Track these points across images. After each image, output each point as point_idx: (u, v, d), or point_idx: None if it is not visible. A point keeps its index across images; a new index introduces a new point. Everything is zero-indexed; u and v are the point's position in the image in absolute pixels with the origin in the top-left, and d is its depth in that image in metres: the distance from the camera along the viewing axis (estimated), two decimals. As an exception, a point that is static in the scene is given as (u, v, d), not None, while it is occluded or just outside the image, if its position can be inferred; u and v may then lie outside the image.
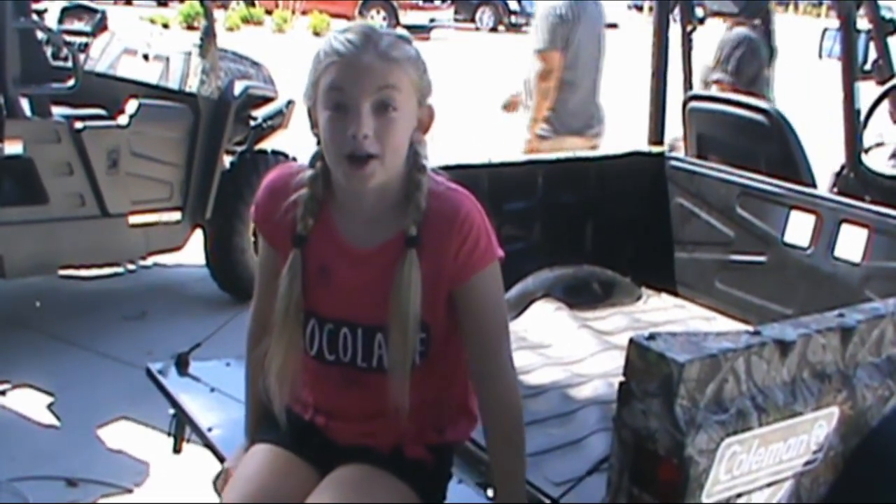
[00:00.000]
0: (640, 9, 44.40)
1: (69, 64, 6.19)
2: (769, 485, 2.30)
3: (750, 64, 6.46)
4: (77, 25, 7.37)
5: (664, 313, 4.64)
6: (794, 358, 2.31)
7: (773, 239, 4.51)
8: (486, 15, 36.01)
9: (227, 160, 6.74)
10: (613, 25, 39.67)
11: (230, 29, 24.70)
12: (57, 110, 5.92)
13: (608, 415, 2.98)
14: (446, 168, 2.57)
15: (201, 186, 6.47)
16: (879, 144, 5.31)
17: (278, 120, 7.14)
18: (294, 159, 5.22)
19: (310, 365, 2.53)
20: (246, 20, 26.75)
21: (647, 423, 2.14)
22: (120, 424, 5.07)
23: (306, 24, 26.83)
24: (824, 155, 5.40)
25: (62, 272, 6.51)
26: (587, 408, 3.47)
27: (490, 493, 2.91)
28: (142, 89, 6.47)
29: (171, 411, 3.41)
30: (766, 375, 2.26)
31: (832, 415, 2.39)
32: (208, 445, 3.02)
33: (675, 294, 4.90)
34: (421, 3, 28.94)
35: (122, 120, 6.13)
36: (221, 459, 2.94)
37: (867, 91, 4.91)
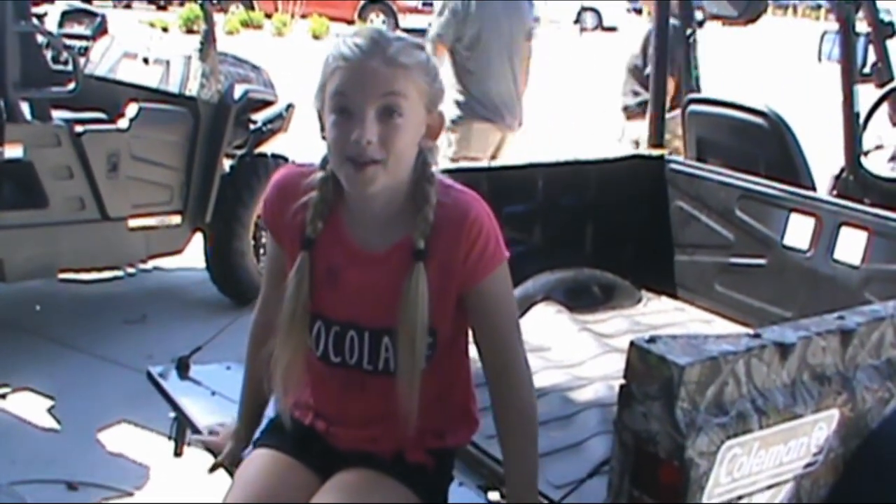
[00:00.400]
0: (639, 12, 44.35)
1: (69, 67, 6.19)
2: (769, 487, 2.30)
3: (678, 51, 6.61)
4: (77, 29, 7.37)
5: (664, 316, 4.64)
6: (794, 360, 2.32)
7: (773, 242, 4.52)
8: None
9: (226, 164, 6.74)
10: (613, 29, 39.83)
11: (230, 33, 24.70)
12: (57, 114, 5.91)
13: (609, 417, 2.98)
14: (446, 172, 2.57)
15: (201, 190, 6.47)
16: (879, 147, 5.32)
17: (278, 123, 7.13)
18: (293, 163, 5.23)
19: (314, 367, 2.53)
20: (245, 24, 26.75)
21: (648, 425, 2.14)
22: (120, 428, 5.07)
23: (306, 28, 26.84)
24: (824, 158, 5.41)
25: (62, 276, 6.51)
26: (588, 410, 3.47)
27: (491, 495, 2.91)
28: (142, 93, 6.47)
29: (172, 415, 3.41)
30: (767, 378, 2.26)
31: (832, 417, 2.40)
32: (208, 449, 3.02)
33: (675, 297, 4.91)
34: (420, 6, 28.92)
35: (122, 123, 6.12)
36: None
37: (866, 94, 4.92)
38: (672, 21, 6.68)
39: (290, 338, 2.47)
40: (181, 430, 3.37)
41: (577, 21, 40.15)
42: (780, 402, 2.27)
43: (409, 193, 2.41)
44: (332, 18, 27.31)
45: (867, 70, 5.17)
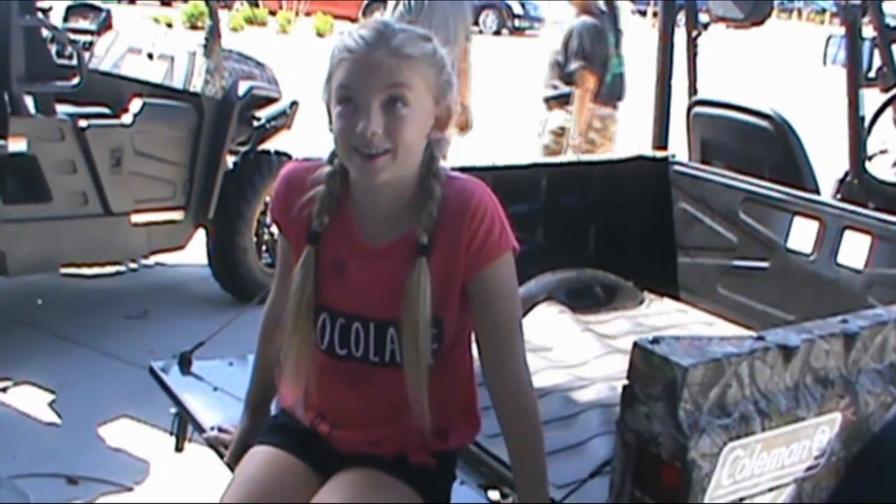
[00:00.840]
0: (643, 14, 44.40)
1: (73, 62, 6.19)
2: (771, 489, 2.30)
3: (600, 48, 7.12)
4: (82, 24, 7.37)
5: (667, 318, 4.64)
6: (797, 363, 2.31)
7: (776, 245, 4.52)
8: (489, 18, 36.00)
9: (230, 160, 6.74)
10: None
11: (234, 29, 24.72)
12: (61, 108, 5.92)
13: (611, 418, 2.99)
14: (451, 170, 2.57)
15: (204, 186, 6.47)
16: (883, 152, 5.32)
17: (282, 120, 7.13)
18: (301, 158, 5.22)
19: (319, 360, 2.52)
20: (250, 21, 26.76)
21: (651, 426, 2.14)
22: (121, 423, 5.07)
23: (310, 26, 26.84)
24: (828, 162, 5.40)
25: (64, 270, 6.52)
26: (590, 411, 3.47)
27: (492, 494, 2.91)
28: (146, 88, 6.47)
29: (173, 410, 3.41)
30: (770, 380, 2.26)
31: (835, 420, 2.40)
32: (212, 446, 3.02)
33: (678, 299, 4.91)
34: (425, 5, 28.91)
35: (126, 119, 6.13)
36: (223, 458, 2.94)
37: (871, 98, 4.92)
38: (590, 19, 7.16)
39: (296, 331, 2.47)
40: (182, 425, 3.37)
41: (581, 22, 40.07)
42: (783, 405, 2.27)
43: (415, 187, 2.41)
44: (337, 16, 27.32)
45: (872, 74, 5.16)
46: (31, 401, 5.26)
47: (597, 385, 3.69)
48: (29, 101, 5.70)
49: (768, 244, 4.56)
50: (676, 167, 5.03)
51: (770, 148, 4.94)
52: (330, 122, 2.38)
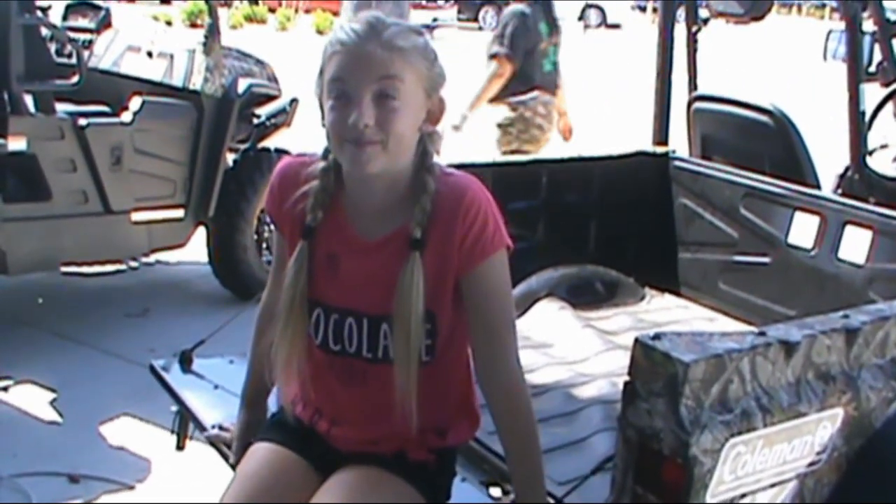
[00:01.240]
0: (643, 10, 44.43)
1: (73, 61, 6.19)
2: (773, 485, 2.30)
3: (524, 38, 7.08)
4: (81, 22, 7.37)
5: (667, 313, 4.64)
6: (798, 359, 2.31)
7: (777, 240, 4.51)
8: (489, 15, 35.99)
9: (230, 158, 6.74)
10: (617, 26, 39.86)
11: (233, 27, 24.75)
12: (61, 107, 5.92)
13: (612, 414, 2.99)
14: (450, 167, 2.56)
15: (204, 184, 6.47)
16: (884, 146, 5.32)
17: (282, 118, 7.14)
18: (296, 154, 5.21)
19: (314, 356, 2.52)
20: (249, 18, 26.78)
21: (652, 422, 2.14)
22: (122, 421, 5.07)
23: (310, 23, 26.87)
24: (829, 156, 5.40)
25: (64, 269, 6.52)
26: (591, 407, 3.47)
27: (493, 491, 2.91)
28: (145, 86, 6.47)
29: (174, 408, 3.41)
30: (771, 376, 2.26)
31: (836, 416, 2.39)
32: (211, 443, 3.02)
33: (679, 294, 4.90)
34: (424, 2, 28.97)
35: (126, 117, 6.13)
36: (224, 457, 2.94)
37: (872, 93, 4.92)
38: (520, 6, 7.17)
39: (288, 326, 2.47)
40: (183, 423, 3.37)
41: (580, 18, 40.17)
42: (785, 401, 2.26)
43: (409, 182, 2.40)
44: (336, 13, 27.28)
45: (873, 69, 5.16)
46: (32, 399, 5.26)
47: (598, 381, 3.69)
48: (28, 100, 5.70)
49: (769, 239, 4.56)
50: (677, 163, 5.03)
51: (770, 143, 4.94)
52: (323, 116, 2.39)
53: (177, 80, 6.46)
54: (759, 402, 2.22)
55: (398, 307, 2.35)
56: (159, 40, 6.88)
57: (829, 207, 4.36)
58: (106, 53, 6.96)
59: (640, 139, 5.33)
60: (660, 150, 5.14)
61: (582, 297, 4.57)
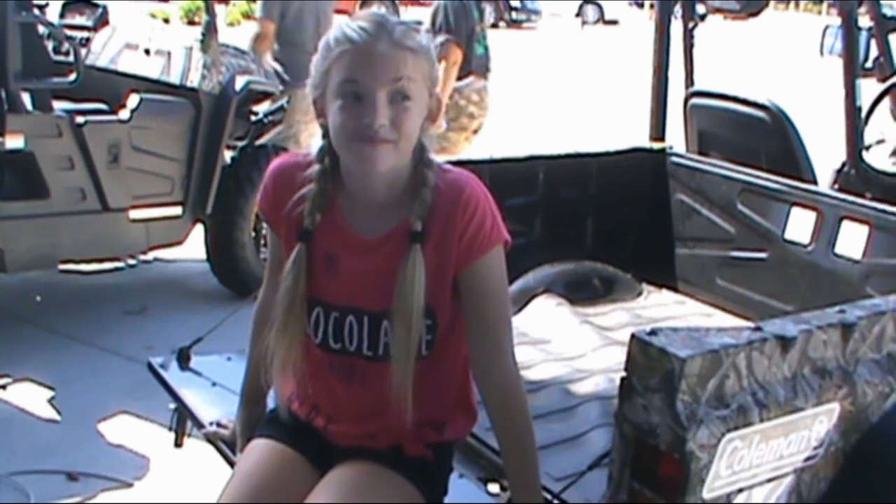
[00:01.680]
0: (640, 5, 44.43)
1: (70, 58, 6.19)
2: (770, 480, 2.30)
3: (465, 23, 7.31)
4: (78, 20, 7.37)
5: (665, 309, 4.64)
6: (794, 354, 2.32)
7: (774, 235, 4.52)
8: (486, 11, 35.96)
9: (227, 155, 6.74)
10: (614, 22, 39.86)
11: (231, 24, 24.69)
12: (58, 105, 5.92)
13: (609, 410, 2.99)
14: (447, 163, 2.56)
15: (202, 181, 6.47)
16: (880, 142, 5.32)
17: (279, 115, 7.14)
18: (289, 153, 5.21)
19: (313, 355, 2.52)
20: (247, 15, 26.69)
21: (649, 418, 2.14)
22: (121, 419, 5.07)
23: (307, 20, 26.77)
24: (825, 152, 5.40)
25: (62, 267, 6.52)
26: (588, 403, 3.47)
27: (491, 487, 2.91)
28: (143, 84, 6.47)
29: (172, 406, 3.40)
30: (767, 371, 2.26)
31: (833, 411, 2.40)
32: (209, 440, 3.02)
33: (676, 290, 4.91)
34: (421, -1, 28.92)
35: (124, 114, 6.13)
36: (223, 454, 2.95)
37: (868, 88, 4.92)
38: None
39: (286, 329, 2.47)
40: (181, 421, 3.37)
41: (578, 14, 40.19)
42: (781, 396, 2.27)
43: (408, 178, 2.41)
44: (335, 11, 27.29)
45: (869, 64, 5.17)
46: (31, 397, 5.26)
47: (595, 377, 3.69)
48: (26, 98, 5.70)
49: (766, 235, 4.56)
50: (674, 159, 5.04)
51: (767, 139, 4.95)
52: (319, 115, 2.39)
53: (174, 78, 6.46)
54: (756, 398, 2.23)
55: (399, 300, 2.36)
56: (157, 37, 6.87)
57: (825, 203, 4.36)
58: (103, 51, 6.95)
59: (637, 135, 5.33)
60: (657, 146, 5.15)
61: (579, 293, 4.57)
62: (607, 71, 21.35)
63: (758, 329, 2.30)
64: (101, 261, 6.71)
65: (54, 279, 6.85)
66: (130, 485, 4.51)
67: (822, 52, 5.60)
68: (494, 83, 7.65)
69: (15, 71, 5.57)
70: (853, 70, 4.73)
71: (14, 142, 5.57)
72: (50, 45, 6.69)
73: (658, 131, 5.24)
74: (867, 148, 5.03)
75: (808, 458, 2.38)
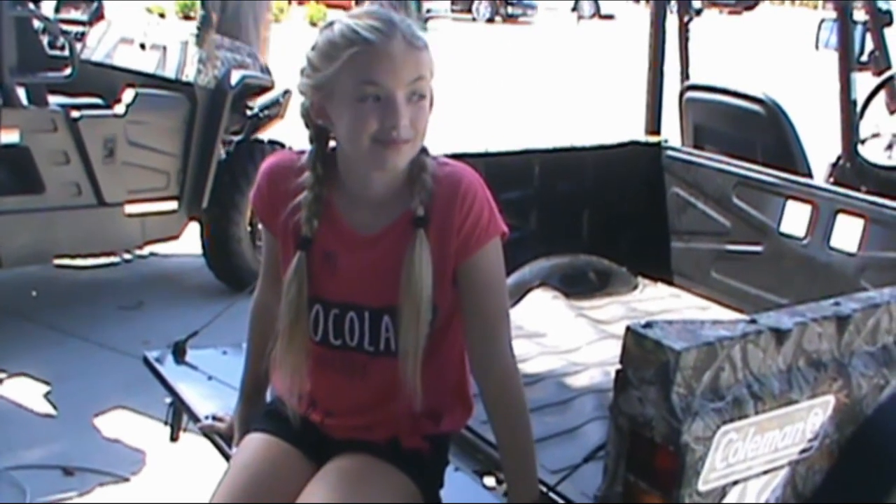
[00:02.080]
0: (637, 0, 44.44)
1: (66, 53, 6.19)
2: (765, 472, 2.30)
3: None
4: (74, 14, 7.37)
5: (660, 302, 4.65)
6: (789, 346, 2.32)
7: (770, 229, 4.52)
8: (482, 6, 36.03)
9: (223, 150, 6.74)
10: (610, 17, 39.87)
11: (226, 19, 24.65)
12: (53, 99, 5.91)
13: (604, 403, 2.99)
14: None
15: (198, 176, 6.47)
16: (875, 135, 5.32)
17: (275, 110, 7.14)
18: (290, 149, 5.21)
19: (314, 352, 2.51)
20: (242, 10, 26.71)
21: (644, 410, 2.14)
22: (116, 413, 5.07)
23: (303, 14, 26.81)
24: (821, 145, 5.41)
25: (58, 262, 6.52)
26: (583, 396, 3.47)
27: (487, 480, 2.91)
28: (138, 78, 6.47)
29: (168, 400, 3.40)
30: (762, 364, 2.26)
31: (828, 403, 2.40)
32: (205, 434, 3.02)
33: (672, 284, 4.91)
34: (418, -7, 28.92)
35: (119, 109, 6.13)
36: (218, 448, 2.95)
37: (863, 82, 4.92)
38: None
39: (293, 340, 2.46)
40: (177, 415, 3.37)
41: (574, 9, 40.21)
42: (776, 388, 2.27)
43: (405, 172, 2.40)
44: (329, 5, 27.30)
45: (864, 58, 5.18)
46: (27, 392, 5.26)
47: (590, 370, 3.70)
48: (21, 93, 5.69)
49: (761, 228, 4.56)
50: (669, 152, 5.04)
51: (762, 132, 4.95)
52: (317, 117, 2.38)
53: (170, 72, 6.46)
54: (751, 390, 2.23)
55: (406, 288, 2.35)
56: (152, 32, 6.87)
57: (821, 196, 4.37)
58: (99, 45, 6.95)
59: (632, 129, 5.33)
60: (652, 139, 5.15)
61: (575, 286, 4.58)
62: (603, 65, 21.36)
63: (753, 321, 2.30)
64: (96, 255, 6.72)
65: (50, 274, 6.85)
66: (126, 479, 4.51)
67: (817, 46, 5.61)
68: (493, 77, 7.64)
69: (10, 65, 5.57)
70: (848, 64, 4.73)
71: (9, 136, 5.57)
72: (45, 39, 6.69)
73: (653, 125, 5.25)
74: (862, 141, 5.03)
75: (803, 451, 2.38)
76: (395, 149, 2.29)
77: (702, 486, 2.17)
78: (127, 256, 7.21)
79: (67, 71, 5.94)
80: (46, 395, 5.24)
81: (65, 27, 6.76)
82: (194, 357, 3.61)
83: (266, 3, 7.93)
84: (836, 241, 4.26)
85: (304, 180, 2.43)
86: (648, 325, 2.18)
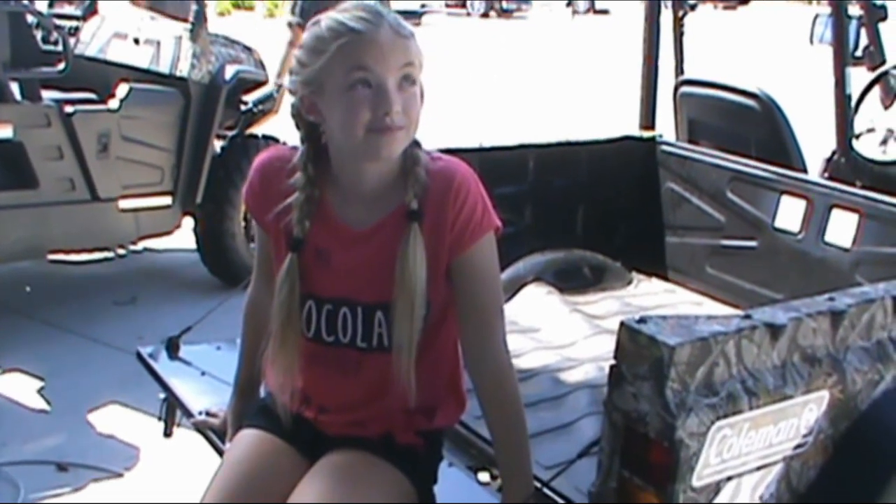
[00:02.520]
0: (632, -6, 44.43)
1: (59, 48, 6.18)
2: (759, 468, 2.30)
3: (313, 6, 7.11)
4: (67, 9, 7.36)
5: (655, 298, 4.64)
6: (784, 342, 2.31)
7: (764, 224, 4.52)
8: (477, 1, 36.00)
9: (217, 145, 6.73)
10: (605, 11, 39.88)
11: (221, 14, 24.70)
12: (47, 94, 5.91)
13: (599, 398, 2.98)
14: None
15: (192, 171, 6.47)
16: (870, 130, 5.32)
17: (269, 105, 7.13)
18: (284, 143, 5.21)
19: (306, 348, 2.50)
20: (237, 5, 26.75)
21: (638, 406, 2.14)
22: (110, 409, 5.07)
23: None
24: (815, 140, 5.41)
25: (52, 257, 6.52)
26: (578, 391, 3.47)
27: (481, 476, 2.91)
28: (132, 73, 6.46)
29: (162, 395, 3.40)
30: (757, 359, 2.26)
31: (822, 398, 2.40)
32: (198, 429, 3.02)
33: (666, 279, 4.91)
34: (412, -12, 28.93)
35: (113, 104, 6.12)
36: (212, 443, 2.94)
37: (858, 77, 4.92)
38: None
39: (286, 341, 2.46)
40: (171, 410, 3.37)
41: (569, 4, 40.20)
42: (771, 383, 2.27)
43: (397, 165, 2.39)
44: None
45: (859, 53, 5.17)
46: (20, 388, 5.26)
47: (585, 366, 3.69)
48: (14, 88, 5.69)
49: (756, 223, 4.56)
50: (664, 147, 5.04)
51: (757, 127, 4.95)
52: (308, 113, 2.37)
53: (164, 67, 6.45)
54: (745, 385, 2.22)
55: (401, 282, 2.34)
56: (146, 27, 6.86)
57: (815, 191, 4.37)
58: (92, 40, 6.94)
59: (627, 124, 5.33)
60: (647, 134, 5.15)
61: (569, 281, 4.57)
62: (598, 60, 21.36)
63: (747, 317, 2.29)
64: (90, 251, 6.71)
65: (44, 269, 6.85)
66: (120, 475, 4.52)
67: (812, 41, 5.60)
68: (487, 72, 7.63)
69: (3, 60, 5.58)
70: (843, 59, 4.73)
71: (2, 131, 5.57)
72: (39, 34, 6.69)
73: (648, 120, 5.24)
74: (857, 136, 5.03)
75: (797, 446, 2.38)
76: (389, 136, 2.28)
77: (696, 482, 2.16)
78: (121, 251, 7.19)
79: (61, 66, 5.94)
80: (40, 391, 5.23)
81: (58, 22, 6.75)
82: (188, 352, 3.61)
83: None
84: (830, 236, 4.26)
85: (295, 181, 2.42)
86: (642, 320, 2.18)
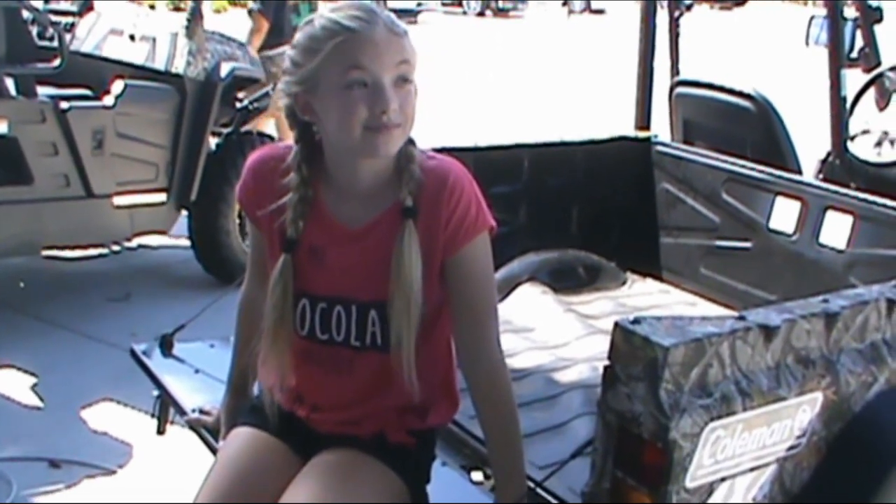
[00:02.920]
0: (627, -6, 44.45)
1: (55, 44, 6.18)
2: (752, 469, 2.30)
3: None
4: (63, 5, 7.38)
5: (649, 298, 4.64)
6: (778, 343, 2.32)
7: (759, 225, 4.52)
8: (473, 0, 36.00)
9: (212, 142, 6.73)
10: (601, 11, 39.87)
11: (217, 11, 24.67)
12: (42, 90, 5.90)
13: (593, 398, 2.98)
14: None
15: (187, 168, 6.46)
16: (865, 132, 5.32)
17: (264, 102, 7.14)
18: (280, 140, 5.21)
19: (300, 346, 2.50)
20: (233, 2, 26.68)
21: (632, 406, 2.14)
22: (104, 406, 5.06)
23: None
24: (810, 142, 5.41)
25: (46, 253, 6.50)
26: (572, 391, 3.47)
27: (474, 475, 2.91)
28: (128, 70, 6.45)
29: (155, 392, 3.39)
30: (751, 360, 2.26)
31: (816, 400, 2.40)
32: (191, 427, 3.02)
33: (660, 279, 4.91)
34: (409, -13, 28.92)
35: (108, 100, 6.11)
36: (205, 441, 2.94)
37: (853, 79, 4.93)
38: None
39: (277, 340, 2.46)
40: (164, 408, 3.36)
41: (565, 4, 40.20)
42: (764, 385, 2.27)
43: (392, 163, 2.39)
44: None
45: (854, 55, 5.18)
46: (13, 384, 5.25)
47: (579, 366, 3.69)
48: (10, 83, 5.68)
49: (751, 224, 4.57)
50: (659, 147, 5.04)
51: (752, 128, 4.95)
52: (304, 112, 2.36)
53: (159, 64, 6.44)
54: (739, 387, 2.22)
55: (397, 280, 2.34)
56: (142, 23, 6.85)
57: (810, 193, 4.37)
58: (88, 36, 6.93)
59: (622, 124, 5.33)
60: (642, 134, 5.15)
61: (563, 281, 4.57)
62: (593, 60, 21.37)
63: (741, 318, 2.29)
64: (84, 247, 6.70)
65: (38, 265, 6.84)
66: (113, 472, 4.51)
67: (807, 43, 5.60)
68: (483, 71, 7.64)
69: (-1, 56, 5.56)
70: (838, 60, 4.74)
71: (-3, 127, 5.56)
72: (34, 30, 6.69)
73: (643, 120, 5.25)
74: (852, 138, 5.04)
75: (790, 448, 2.38)
76: (386, 134, 2.28)
77: (689, 483, 2.16)
78: (115, 248, 7.19)
79: (56, 62, 5.93)
80: (33, 387, 5.22)
81: (54, 18, 6.74)
82: (181, 350, 3.60)
83: None
84: (825, 238, 4.26)
85: (289, 181, 2.42)
86: (637, 320, 2.18)
